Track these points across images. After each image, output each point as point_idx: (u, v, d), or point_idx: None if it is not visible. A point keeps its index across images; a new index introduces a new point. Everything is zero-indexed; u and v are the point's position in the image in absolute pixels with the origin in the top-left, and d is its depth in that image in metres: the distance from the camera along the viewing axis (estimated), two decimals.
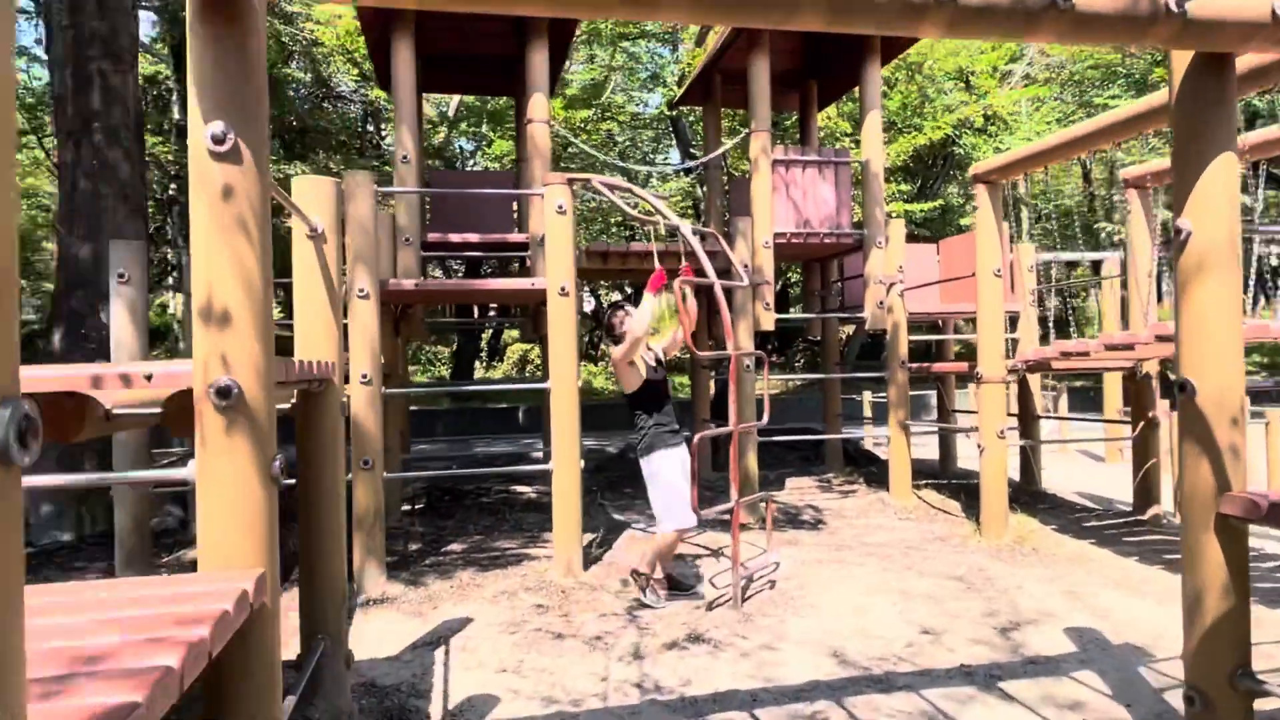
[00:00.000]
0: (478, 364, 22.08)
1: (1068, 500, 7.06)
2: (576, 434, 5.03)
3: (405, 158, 6.00)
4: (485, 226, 6.87)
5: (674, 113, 13.00)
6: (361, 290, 4.74)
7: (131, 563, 4.54)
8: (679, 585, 4.65)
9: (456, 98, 15.73)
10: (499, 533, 6.04)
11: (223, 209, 1.81)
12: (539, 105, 6.24)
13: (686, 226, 4.50)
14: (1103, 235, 16.23)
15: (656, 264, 4.41)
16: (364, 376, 4.75)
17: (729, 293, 6.53)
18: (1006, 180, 5.64)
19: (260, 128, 1.86)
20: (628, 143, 16.77)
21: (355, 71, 16.31)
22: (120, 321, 4.54)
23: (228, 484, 1.83)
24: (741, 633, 3.98)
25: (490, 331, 22.83)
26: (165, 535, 6.08)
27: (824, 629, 4.03)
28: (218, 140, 1.79)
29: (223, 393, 1.80)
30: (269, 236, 1.89)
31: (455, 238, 6.35)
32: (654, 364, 4.54)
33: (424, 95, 9.40)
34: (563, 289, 4.93)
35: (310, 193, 3.21)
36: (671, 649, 3.78)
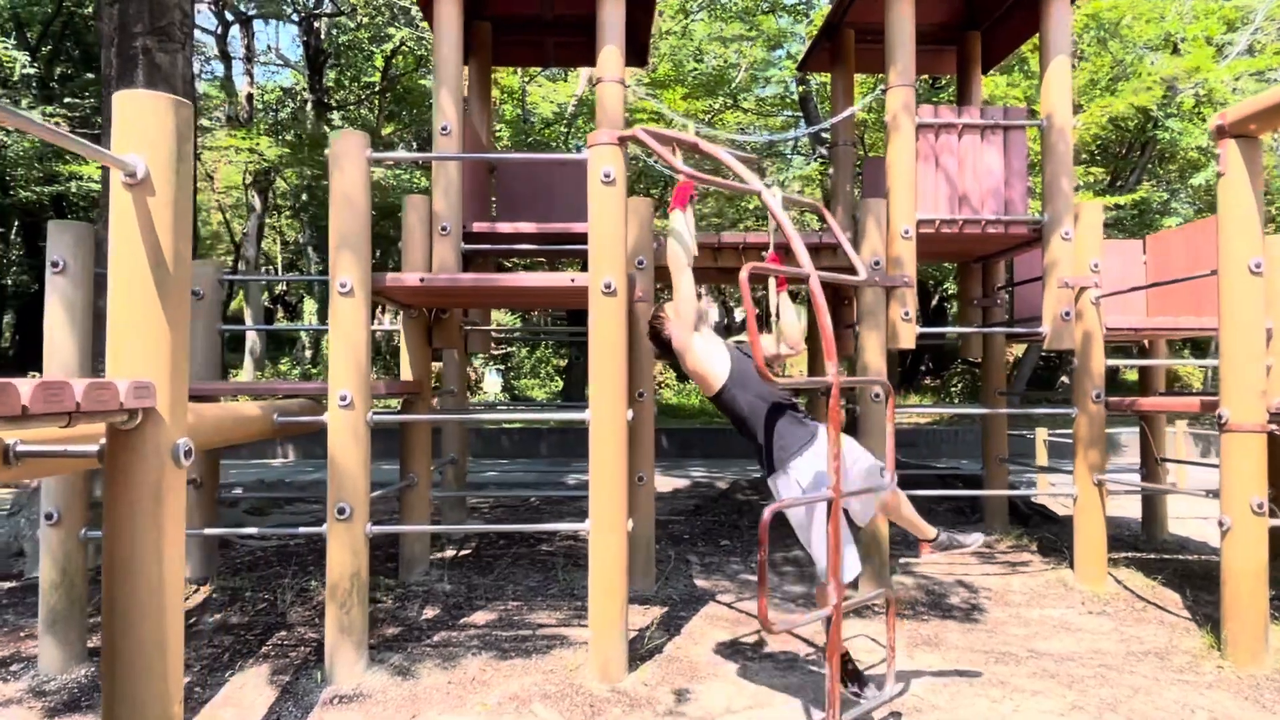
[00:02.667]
0: None
1: None
2: (623, 484, 3.69)
3: (445, 128, 4.88)
4: (552, 215, 5.66)
5: (801, 88, 11.32)
6: (344, 284, 3.61)
7: (55, 626, 3.60)
8: (855, 675, 3.33)
9: (574, 96, 14.80)
10: (542, 598, 4.77)
11: None
12: (610, 60, 4.97)
13: (768, 192, 3.05)
14: None
15: (770, 248, 3.09)
16: (343, 398, 3.61)
17: (852, 293, 4.98)
18: (1275, 132, 3.80)
19: None
20: (755, 129, 15.25)
21: None
22: (56, 322, 3.66)
23: None
24: None
25: None
26: None
27: None
28: None
29: None
30: None
31: (505, 227, 5.16)
32: (727, 340, 3.36)
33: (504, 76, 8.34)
34: (607, 285, 3.60)
35: (133, 119, 2.06)
36: None
